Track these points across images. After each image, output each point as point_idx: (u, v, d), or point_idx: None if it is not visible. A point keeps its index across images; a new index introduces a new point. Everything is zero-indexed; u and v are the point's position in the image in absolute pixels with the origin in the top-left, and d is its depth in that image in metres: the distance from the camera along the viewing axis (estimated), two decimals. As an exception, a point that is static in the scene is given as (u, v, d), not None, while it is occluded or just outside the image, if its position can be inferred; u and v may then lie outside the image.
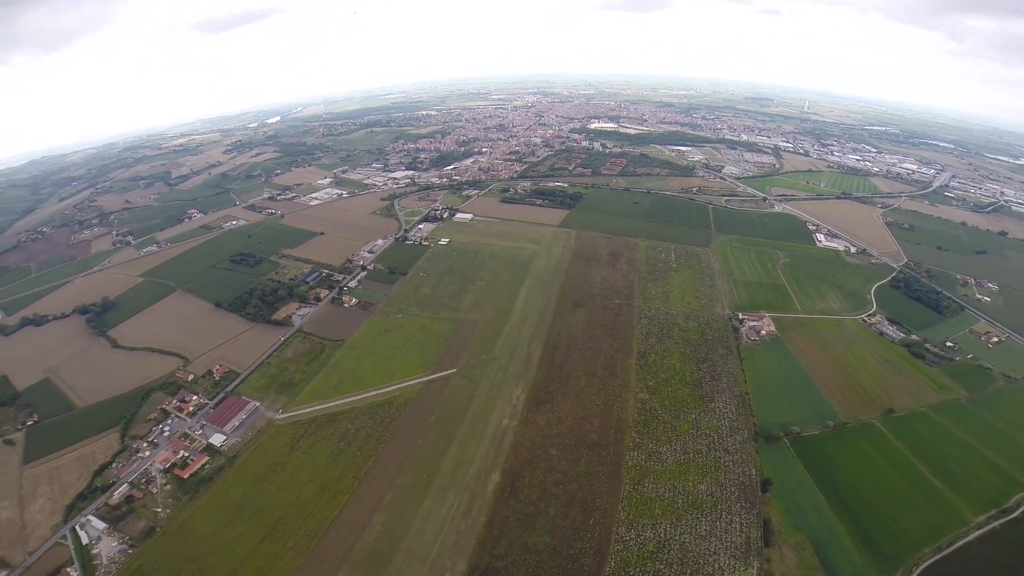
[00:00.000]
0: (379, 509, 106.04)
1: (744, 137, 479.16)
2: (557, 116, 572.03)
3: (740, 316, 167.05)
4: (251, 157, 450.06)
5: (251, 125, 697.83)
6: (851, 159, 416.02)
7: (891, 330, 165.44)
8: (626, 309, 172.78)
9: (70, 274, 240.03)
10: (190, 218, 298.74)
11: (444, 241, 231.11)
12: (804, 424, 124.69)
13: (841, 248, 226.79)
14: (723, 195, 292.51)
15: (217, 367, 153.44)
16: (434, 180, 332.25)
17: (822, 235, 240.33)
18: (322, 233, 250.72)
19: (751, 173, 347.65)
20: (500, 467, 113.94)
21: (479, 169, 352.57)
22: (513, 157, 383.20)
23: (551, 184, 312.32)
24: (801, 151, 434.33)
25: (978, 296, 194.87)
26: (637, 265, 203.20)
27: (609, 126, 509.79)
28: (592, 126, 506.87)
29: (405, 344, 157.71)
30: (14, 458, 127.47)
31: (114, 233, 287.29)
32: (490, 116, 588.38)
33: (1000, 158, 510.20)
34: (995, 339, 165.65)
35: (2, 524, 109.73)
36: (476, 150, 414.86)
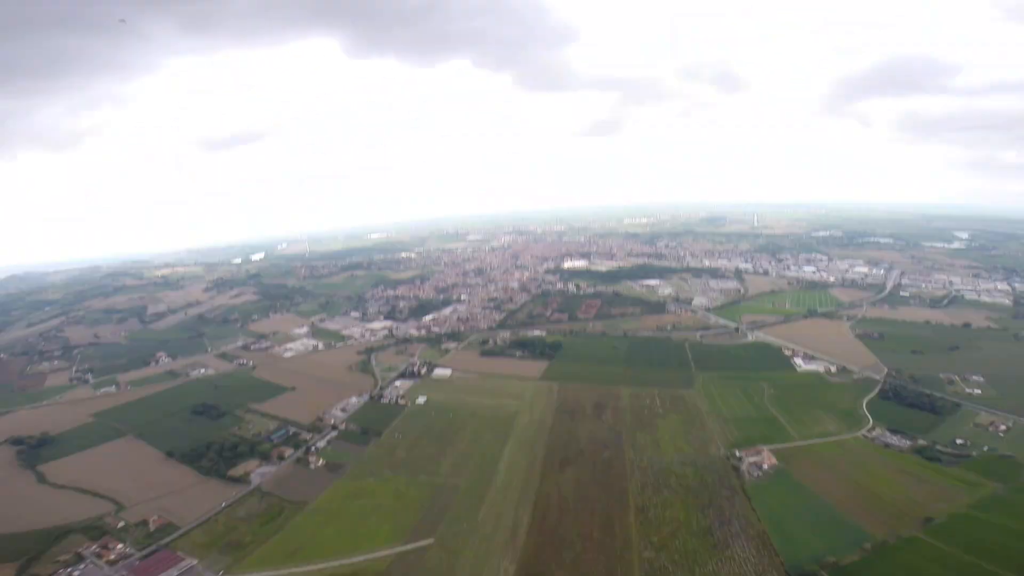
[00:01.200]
0: None
1: (707, 263, 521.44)
2: (532, 256, 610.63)
3: (737, 454, 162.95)
4: (231, 298, 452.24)
5: (236, 260, 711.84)
6: (807, 271, 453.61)
7: (896, 440, 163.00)
8: (617, 462, 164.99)
9: (15, 404, 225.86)
10: (157, 361, 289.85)
11: (422, 400, 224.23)
12: (839, 552, 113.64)
13: (821, 369, 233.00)
14: (697, 329, 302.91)
15: (155, 517, 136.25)
16: (412, 332, 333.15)
17: (800, 359, 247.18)
18: (294, 388, 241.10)
19: (719, 302, 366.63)
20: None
21: (458, 319, 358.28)
22: (492, 304, 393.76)
23: (530, 334, 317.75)
24: (761, 270, 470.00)
25: (967, 390, 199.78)
26: (623, 415, 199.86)
27: (581, 264, 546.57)
28: (566, 265, 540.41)
29: (376, 511, 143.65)
30: None
31: (74, 369, 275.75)
32: (468, 259, 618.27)
33: (936, 244, 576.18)
34: (1003, 427, 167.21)
35: None
36: (455, 297, 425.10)
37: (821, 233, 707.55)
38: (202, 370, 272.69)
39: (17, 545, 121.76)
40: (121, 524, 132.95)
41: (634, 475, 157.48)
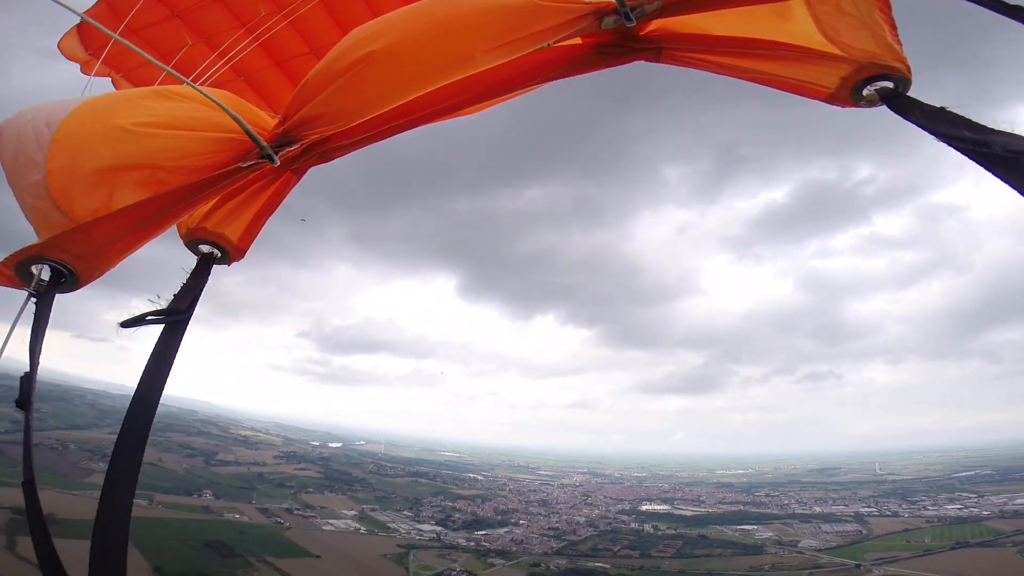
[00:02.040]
0: None
1: (818, 509, 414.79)
2: (605, 497, 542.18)
3: None
4: (294, 469, 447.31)
5: (314, 443, 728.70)
6: (951, 509, 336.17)
7: None
8: None
9: (47, 485, 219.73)
10: (200, 495, 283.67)
11: None
12: None
13: None
14: (804, 569, 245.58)
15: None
16: (461, 541, 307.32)
17: None
18: (319, 556, 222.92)
19: (835, 543, 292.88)
20: None
21: (512, 540, 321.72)
22: (551, 533, 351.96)
23: (590, 564, 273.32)
24: (889, 512, 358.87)
25: None
26: None
27: (662, 508, 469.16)
28: (643, 508, 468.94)
29: None
30: None
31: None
32: (535, 490, 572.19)
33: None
34: None
35: None
36: (513, 520, 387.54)
37: (964, 474, 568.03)
38: (237, 515, 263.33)
39: None
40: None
41: None
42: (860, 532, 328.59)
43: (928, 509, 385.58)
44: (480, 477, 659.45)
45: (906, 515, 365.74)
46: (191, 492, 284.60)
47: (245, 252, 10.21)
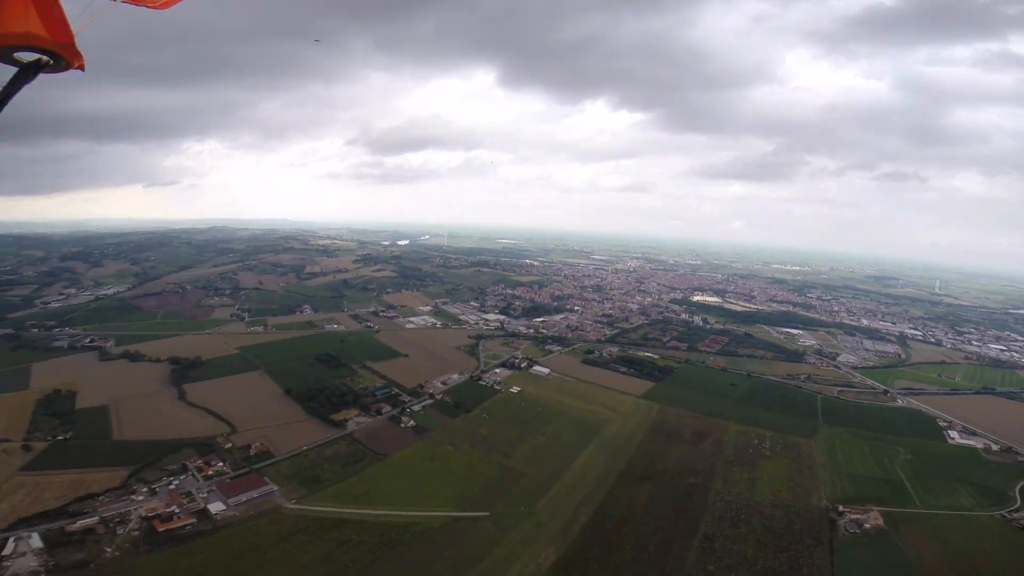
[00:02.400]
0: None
1: (865, 322, 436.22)
2: (658, 284, 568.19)
3: (840, 508, 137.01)
4: (373, 271, 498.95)
5: (384, 243, 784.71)
6: (993, 349, 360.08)
7: None
8: (700, 489, 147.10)
9: (184, 329, 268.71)
10: (302, 311, 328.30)
11: (515, 389, 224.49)
12: None
13: (979, 446, 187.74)
14: (836, 385, 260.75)
15: (257, 444, 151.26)
16: (521, 329, 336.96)
17: (955, 432, 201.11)
18: (406, 355, 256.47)
19: (871, 363, 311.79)
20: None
21: (567, 326, 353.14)
22: (605, 320, 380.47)
23: (641, 353, 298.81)
24: (932, 340, 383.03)
25: None
26: (723, 448, 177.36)
27: (713, 300, 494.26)
28: (695, 298, 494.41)
29: (445, 476, 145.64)
30: (17, 463, 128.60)
31: (236, 307, 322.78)
32: (589, 276, 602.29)
33: None
34: None
35: None
36: (568, 307, 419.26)
37: (1022, 311, 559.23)
38: (335, 325, 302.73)
39: (139, 451, 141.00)
40: (228, 445, 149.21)
41: (715, 505, 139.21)
42: (898, 356, 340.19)
43: (972, 344, 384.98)
44: (536, 263, 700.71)
45: (948, 346, 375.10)
46: (293, 310, 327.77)
47: (74, 47, 8.69)
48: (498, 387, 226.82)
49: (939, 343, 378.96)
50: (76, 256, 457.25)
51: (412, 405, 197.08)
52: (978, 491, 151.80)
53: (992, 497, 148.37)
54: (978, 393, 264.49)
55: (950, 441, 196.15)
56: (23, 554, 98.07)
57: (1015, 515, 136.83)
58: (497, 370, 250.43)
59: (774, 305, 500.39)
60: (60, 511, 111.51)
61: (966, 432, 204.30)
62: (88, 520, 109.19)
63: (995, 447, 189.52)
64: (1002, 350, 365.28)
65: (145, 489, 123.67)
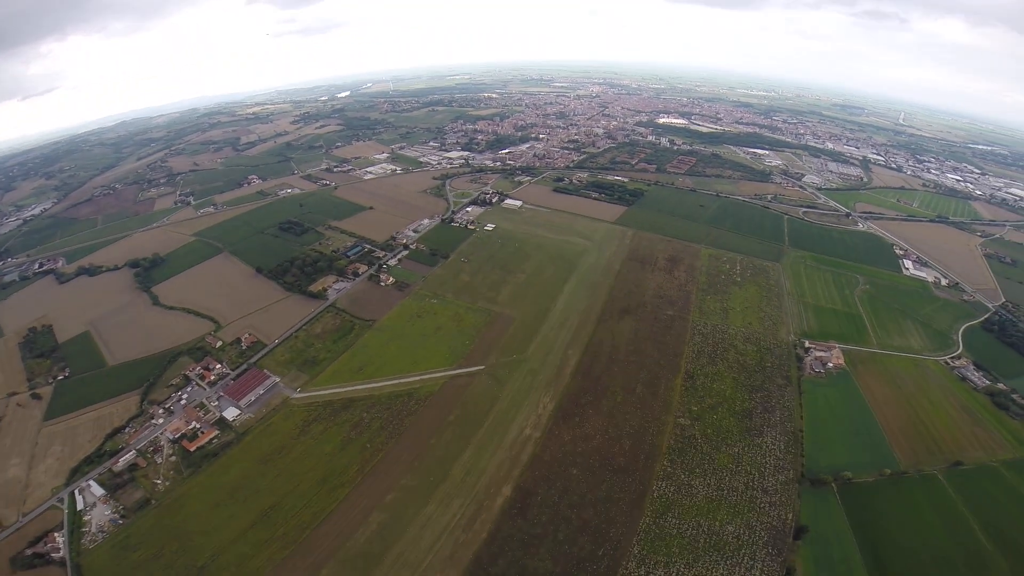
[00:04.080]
0: (378, 508, 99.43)
1: (829, 145, 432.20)
2: (623, 108, 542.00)
3: (807, 344, 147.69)
4: (316, 129, 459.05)
5: (322, 99, 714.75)
6: (950, 179, 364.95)
7: (976, 376, 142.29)
8: (679, 322, 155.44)
9: (131, 228, 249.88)
10: (249, 183, 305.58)
11: (490, 227, 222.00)
12: (858, 469, 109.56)
13: (930, 279, 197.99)
14: (801, 206, 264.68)
15: (246, 336, 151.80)
16: (488, 163, 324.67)
17: (910, 262, 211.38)
18: (371, 208, 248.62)
19: (835, 185, 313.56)
20: (513, 481, 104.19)
21: (534, 155, 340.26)
22: (571, 146, 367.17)
23: (610, 177, 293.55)
24: (893, 166, 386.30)
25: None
26: (697, 274, 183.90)
27: (679, 122, 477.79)
28: (660, 121, 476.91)
29: (436, 333, 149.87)
30: (37, 414, 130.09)
31: (178, 193, 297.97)
32: (551, 103, 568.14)
33: None
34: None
35: (7, 482, 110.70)
36: (533, 136, 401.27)
37: (980, 146, 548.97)
38: (288, 190, 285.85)
39: (139, 372, 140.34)
40: (219, 344, 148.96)
41: (693, 339, 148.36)
42: (861, 179, 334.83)
43: (930, 172, 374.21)
44: (495, 95, 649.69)
45: (908, 172, 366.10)
46: (240, 184, 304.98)
47: None
48: (472, 226, 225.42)
49: (900, 169, 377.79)
50: None
51: (388, 260, 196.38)
52: (927, 332, 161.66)
53: (937, 339, 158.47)
54: (932, 221, 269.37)
55: (904, 272, 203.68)
56: (93, 504, 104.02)
57: (956, 363, 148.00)
58: (468, 208, 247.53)
59: (740, 127, 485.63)
60: (100, 453, 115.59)
61: (919, 263, 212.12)
62: (127, 456, 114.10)
63: (944, 281, 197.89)
64: (958, 180, 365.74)
65: (161, 411, 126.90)
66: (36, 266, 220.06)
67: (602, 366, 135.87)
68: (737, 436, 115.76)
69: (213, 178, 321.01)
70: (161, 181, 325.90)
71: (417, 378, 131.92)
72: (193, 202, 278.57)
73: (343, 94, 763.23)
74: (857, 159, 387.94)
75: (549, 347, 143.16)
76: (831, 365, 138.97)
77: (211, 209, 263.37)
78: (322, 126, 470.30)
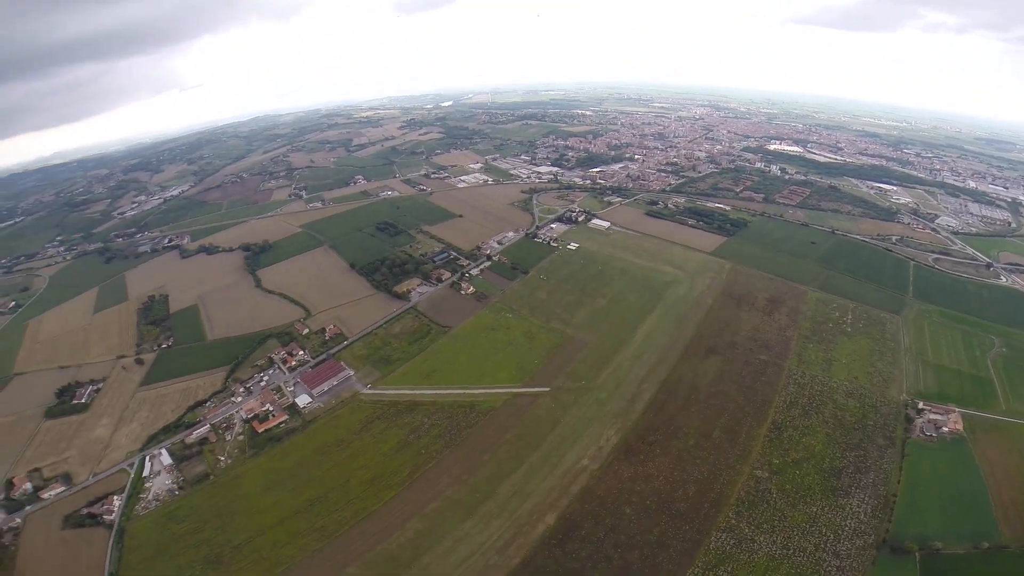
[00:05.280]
0: (418, 516, 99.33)
1: (971, 184, 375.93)
2: (729, 132, 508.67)
3: (920, 405, 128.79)
4: (419, 135, 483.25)
5: (427, 107, 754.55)
6: None
7: None
8: (772, 368, 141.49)
9: (249, 215, 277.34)
10: (356, 183, 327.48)
11: (573, 246, 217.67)
12: (950, 540, 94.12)
13: None
14: (932, 251, 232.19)
15: (331, 326, 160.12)
16: (577, 180, 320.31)
17: None
18: (461, 215, 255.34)
19: (975, 229, 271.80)
20: (559, 510, 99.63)
21: (627, 176, 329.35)
22: (669, 169, 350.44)
23: (710, 204, 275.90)
24: None
25: None
26: (800, 319, 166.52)
27: (793, 150, 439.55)
28: (771, 147, 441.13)
29: (506, 348, 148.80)
30: (136, 378, 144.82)
31: (293, 186, 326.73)
32: (649, 123, 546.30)
33: None
34: None
35: (92, 441, 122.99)
36: (628, 156, 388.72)
37: None
38: (389, 192, 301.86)
39: (231, 349, 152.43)
40: (305, 331, 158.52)
41: (787, 388, 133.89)
42: (1008, 224, 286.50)
43: None
44: (588, 112, 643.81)
45: None
46: (347, 182, 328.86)
47: None
48: (555, 244, 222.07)
49: None
50: (137, 167, 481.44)
51: (470, 269, 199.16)
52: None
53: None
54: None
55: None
56: (158, 473, 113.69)
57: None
58: (553, 225, 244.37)
59: (864, 158, 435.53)
60: (178, 423, 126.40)
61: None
62: (201, 429, 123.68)
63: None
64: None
65: (242, 389, 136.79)
66: (166, 240, 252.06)
67: (678, 405, 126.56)
68: (819, 495, 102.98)
69: (325, 175, 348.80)
70: (280, 174, 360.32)
71: (481, 391, 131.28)
72: (305, 196, 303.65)
73: (446, 103, 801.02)
74: (1005, 200, 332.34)
75: (621, 378, 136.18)
76: (946, 430, 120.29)
77: (319, 204, 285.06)
78: (425, 133, 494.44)
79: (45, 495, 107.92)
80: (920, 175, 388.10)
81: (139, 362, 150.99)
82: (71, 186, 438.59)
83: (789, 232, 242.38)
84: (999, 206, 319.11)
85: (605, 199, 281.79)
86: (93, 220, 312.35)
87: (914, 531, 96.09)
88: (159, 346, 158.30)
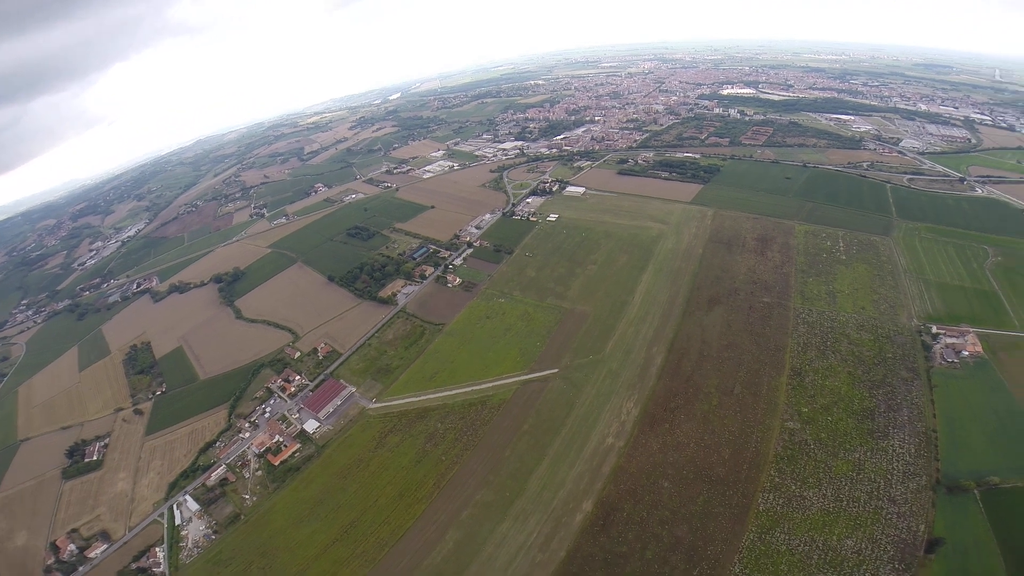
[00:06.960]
0: (454, 525, 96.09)
1: (922, 107, 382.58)
2: (680, 82, 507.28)
3: (934, 330, 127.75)
4: (373, 132, 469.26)
5: (375, 102, 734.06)
6: None
7: None
8: (778, 310, 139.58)
9: (213, 244, 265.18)
10: (316, 192, 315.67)
11: (553, 217, 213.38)
12: (1007, 474, 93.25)
13: None
14: (904, 172, 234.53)
15: (322, 345, 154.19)
16: (543, 150, 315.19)
17: None
18: (432, 207, 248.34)
19: (938, 148, 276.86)
20: (595, 495, 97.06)
21: (592, 139, 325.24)
22: (631, 126, 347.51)
23: (679, 155, 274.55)
24: (1003, 124, 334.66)
25: None
26: (793, 254, 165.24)
27: (746, 92, 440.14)
28: (725, 92, 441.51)
29: (505, 334, 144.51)
30: (140, 429, 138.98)
31: (252, 206, 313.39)
32: (602, 84, 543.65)
33: None
34: None
35: (117, 496, 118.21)
36: (588, 119, 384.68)
37: None
38: (353, 195, 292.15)
39: (226, 386, 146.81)
40: (297, 355, 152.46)
41: (797, 330, 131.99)
42: (968, 140, 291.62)
43: None
44: (541, 82, 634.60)
45: (1022, 131, 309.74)
46: (307, 192, 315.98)
47: None
48: (534, 218, 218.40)
49: (1012, 128, 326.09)
50: (86, 211, 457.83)
51: (453, 259, 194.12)
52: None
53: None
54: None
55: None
56: (189, 519, 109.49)
57: None
58: (528, 200, 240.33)
59: (816, 92, 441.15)
60: (194, 468, 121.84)
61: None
62: (219, 470, 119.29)
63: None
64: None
65: (247, 424, 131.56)
66: (134, 286, 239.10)
67: (692, 364, 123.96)
68: (857, 440, 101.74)
69: (282, 189, 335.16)
70: (236, 195, 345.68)
71: (489, 384, 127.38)
72: (267, 214, 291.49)
73: (394, 96, 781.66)
74: (959, 119, 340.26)
75: (629, 345, 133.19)
76: (966, 353, 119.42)
77: (283, 220, 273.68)
78: (378, 129, 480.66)
79: (91, 554, 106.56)
80: (873, 103, 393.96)
81: (138, 412, 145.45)
82: (22, 242, 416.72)
83: (762, 171, 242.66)
84: (955, 125, 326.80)
85: (575, 165, 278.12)
86: (55, 276, 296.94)
87: (965, 467, 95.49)
88: (153, 394, 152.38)
